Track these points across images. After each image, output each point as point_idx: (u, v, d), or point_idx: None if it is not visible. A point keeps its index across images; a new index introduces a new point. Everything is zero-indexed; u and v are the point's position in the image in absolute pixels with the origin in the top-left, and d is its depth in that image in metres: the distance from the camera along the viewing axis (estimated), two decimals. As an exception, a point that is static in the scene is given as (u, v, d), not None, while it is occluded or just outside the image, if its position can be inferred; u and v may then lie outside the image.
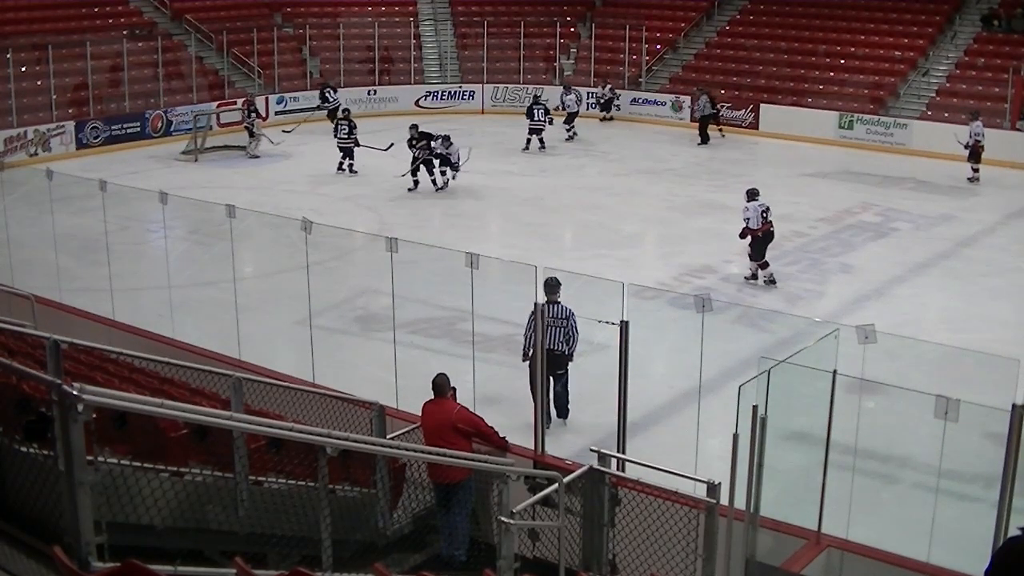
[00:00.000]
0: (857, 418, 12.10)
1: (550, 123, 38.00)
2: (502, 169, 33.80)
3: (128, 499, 7.81)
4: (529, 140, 37.23)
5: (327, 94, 41.59)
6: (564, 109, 39.98)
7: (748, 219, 22.94)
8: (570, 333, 16.00)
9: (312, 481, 9.31)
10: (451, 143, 31.25)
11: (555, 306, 15.80)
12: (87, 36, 40.57)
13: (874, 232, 27.50)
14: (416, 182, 31.53)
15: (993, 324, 20.64)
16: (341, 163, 33.82)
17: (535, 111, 37.20)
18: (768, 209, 23.09)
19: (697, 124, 39.41)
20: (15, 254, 22.02)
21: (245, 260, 22.55)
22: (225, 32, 43.53)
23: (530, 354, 15.37)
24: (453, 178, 31.61)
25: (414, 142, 31.51)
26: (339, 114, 36.44)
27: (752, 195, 23.25)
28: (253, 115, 37.64)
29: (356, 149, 33.55)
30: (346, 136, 33.65)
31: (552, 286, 15.77)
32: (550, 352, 15.19)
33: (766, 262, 23.01)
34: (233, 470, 9.11)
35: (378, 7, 48.68)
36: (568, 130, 39.40)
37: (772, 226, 23.14)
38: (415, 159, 31.48)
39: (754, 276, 23.15)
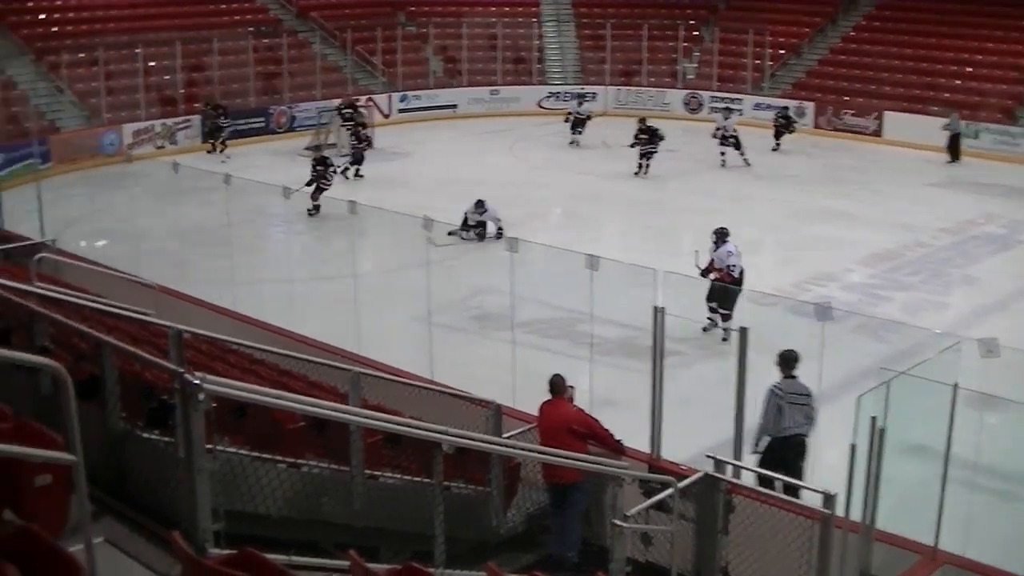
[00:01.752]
0: (978, 433, 11.89)
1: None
2: (622, 171, 33.66)
3: (245, 488, 7.87)
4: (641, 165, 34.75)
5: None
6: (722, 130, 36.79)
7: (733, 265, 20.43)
8: (810, 414, 13.87)
9: (427, 477, 9.31)
10: (484, 208, 27.36)
11: (793, 381, 13.86)
12: (214, 32, 41.20)
13: (998, 244, 27.01)
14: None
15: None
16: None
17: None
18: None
19: (948, 142, 37.22)
20: (141, 244, 22.35)
21: (365, 256, 22.68)
22: (349, 30, 43.90)
23: (761, 446, 13.80)
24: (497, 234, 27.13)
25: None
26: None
27: (722, 236, 20.83)
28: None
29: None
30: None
31: (790, 360, 13.96)
32: (789, 436, 13.77)
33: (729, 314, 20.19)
34: (349, 463, 9.15)
35: (501, 7, 48.78)
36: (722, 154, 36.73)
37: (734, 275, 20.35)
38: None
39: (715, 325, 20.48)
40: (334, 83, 42.85)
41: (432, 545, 8.77)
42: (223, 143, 36.98)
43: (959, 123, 37.29)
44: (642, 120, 33.26)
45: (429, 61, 45.94)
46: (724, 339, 19.36)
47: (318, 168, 28.61)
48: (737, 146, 35.35)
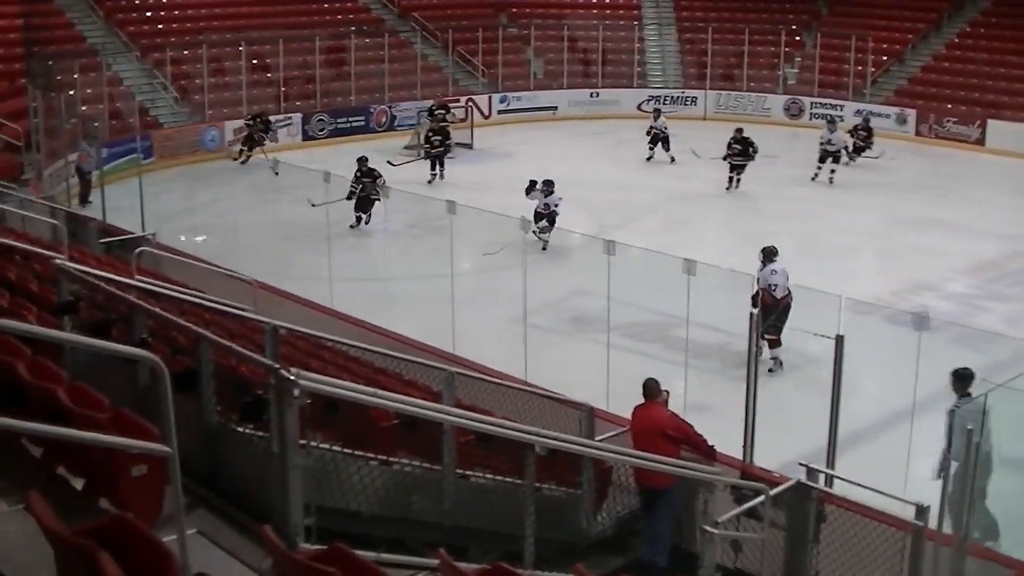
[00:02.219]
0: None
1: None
2: (721, 176, 33.50)
3: (337, 484, 7.92)
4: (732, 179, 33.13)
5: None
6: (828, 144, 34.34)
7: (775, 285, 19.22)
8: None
9: (518, 478, 9.32)
10: (551, 189, 26.65)
11: (970, 399, 12.69)
12: (316, 31, 41.48)
13: (1104, 257, 26.55)
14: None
15: None
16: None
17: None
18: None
19: None
20: (240, 240, 22.57)
21: (463, 256, 22.75)
22: (451, 30, 44.03)
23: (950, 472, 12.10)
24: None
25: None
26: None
27: (769, 256, 19.78)
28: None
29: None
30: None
31: (966, 378, 13.13)
32: None
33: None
34: (441, 462, 9.17)
35: (603, 9, 48.69)
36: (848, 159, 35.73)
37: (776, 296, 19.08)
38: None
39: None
40: (434, 83, 42.98)
41: (521, 546, 8.78)
42: (248, 152, 35.32)
43: None
44: (738, 130, 32.77)
45: (530, 63, 45.96)
46: (770, 370, 18.42)
47: (364, 180, 27.68)
48: (836, 159, 34.03)
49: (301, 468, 6.91)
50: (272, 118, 36.66)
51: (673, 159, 35.98)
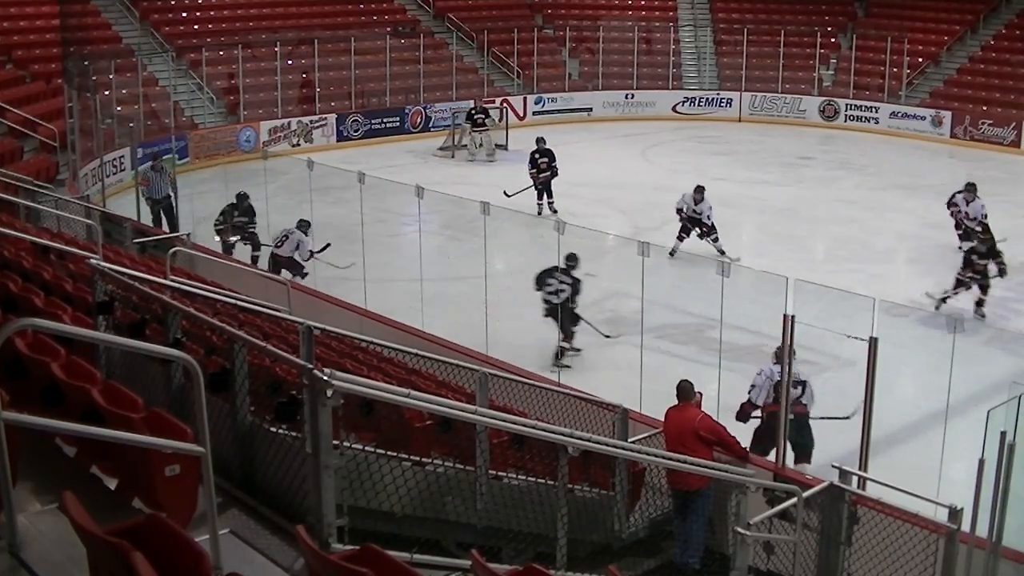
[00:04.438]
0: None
1: None
2: (757, 178, 33.40)
3: (370, 485, 7.92)
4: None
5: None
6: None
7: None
8: None
9: (551, 479, 9.32)
10: (702, 196, 25.21)
11: None
12: (352, 32, 41.57)
13: None
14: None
15: None
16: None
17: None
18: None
19: None
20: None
21: (497, 257, 22.74)
22: (486, 31, 44.08)
23: None
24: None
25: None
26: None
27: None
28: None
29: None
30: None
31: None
32: None
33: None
34: (474, 463, 9.17)
35: (638, 11, 48.61)
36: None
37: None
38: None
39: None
40: (470, 84, 43.00)
41: (554, 547, 8.78)
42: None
43: None
44: (540, 140, 30.56)
45: (565, 64, 45.93)
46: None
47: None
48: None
49: (334, 469, 6.93)
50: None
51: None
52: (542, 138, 29.75)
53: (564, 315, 19.32)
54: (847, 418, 14.59)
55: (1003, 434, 10.01)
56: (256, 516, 7.47)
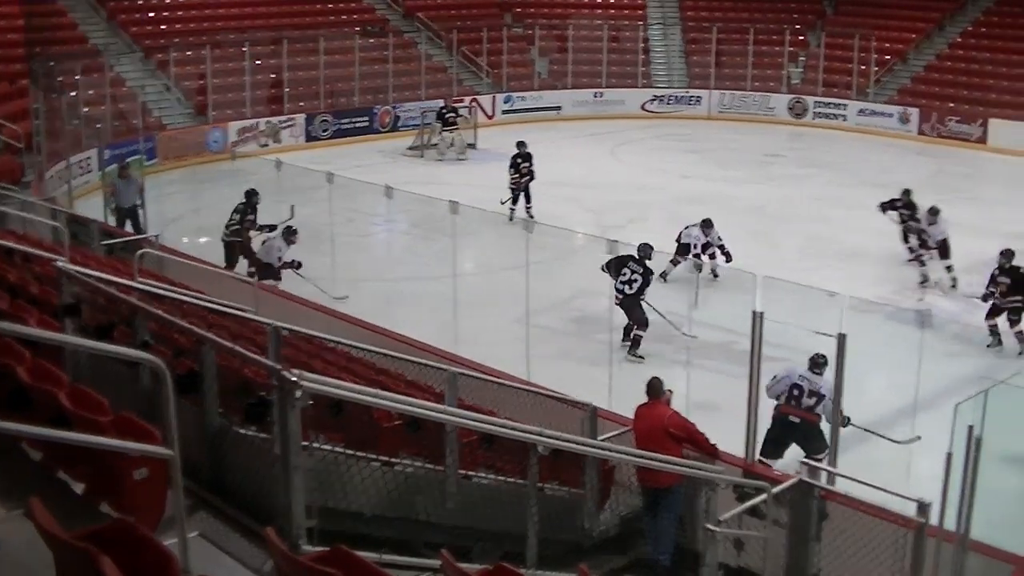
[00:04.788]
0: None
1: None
2: (726, 176, 33.48)
3: (339, 486, 7.92)
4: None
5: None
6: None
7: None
8: None
9: (521, 478, 9.33)
10: (711, 227, 23.79)
11: None
12: (321, 31, 41.53)
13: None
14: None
15: None
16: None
17: None
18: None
19: None
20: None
21: (466, 257, 22.74)
22: (455, 31, 44.08)
23: None
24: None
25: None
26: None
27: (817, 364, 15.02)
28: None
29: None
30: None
31: None
32: None
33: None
34: (444, 463, 9.17)
35: (607, 9, 48.75)
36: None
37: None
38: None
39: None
40: (439, 83, 42.99)
41: (524, 546, 8.78)
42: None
43: None
44: (521, 144, 29.77)
45: (534, 63, 45.97)
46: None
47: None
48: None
49: (304, 470, 6.92)
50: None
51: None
52: (523, 142, 29.46)
53: (634, 305, 19.26)
54: (898, 442, 14.49)
55: (971, 428, 10.05)
56: (225, 518, 7.45)
